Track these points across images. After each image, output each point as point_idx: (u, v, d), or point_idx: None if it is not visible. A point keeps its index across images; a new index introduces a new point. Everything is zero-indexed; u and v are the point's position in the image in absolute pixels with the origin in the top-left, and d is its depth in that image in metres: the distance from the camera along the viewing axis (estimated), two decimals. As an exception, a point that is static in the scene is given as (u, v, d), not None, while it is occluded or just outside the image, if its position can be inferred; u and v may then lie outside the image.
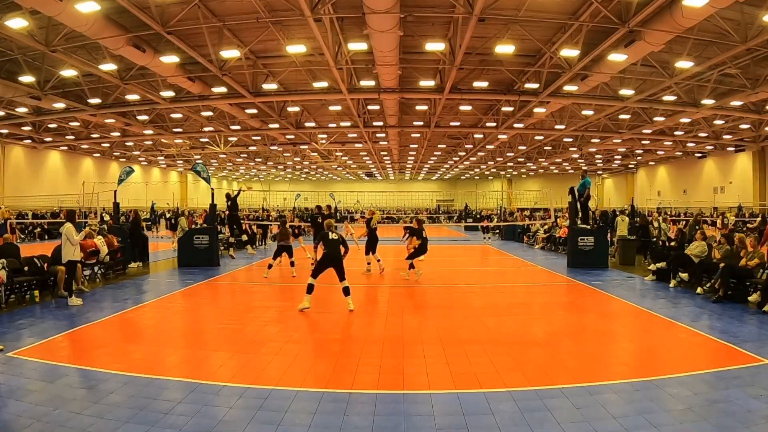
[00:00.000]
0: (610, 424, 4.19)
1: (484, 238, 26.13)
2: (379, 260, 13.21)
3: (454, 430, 4.16)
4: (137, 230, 14.74)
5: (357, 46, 15.88)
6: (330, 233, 8.75)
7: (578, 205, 15.00)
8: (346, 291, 8.50)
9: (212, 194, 16.31)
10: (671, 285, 10.96)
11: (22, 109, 23.93)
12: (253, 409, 4.51)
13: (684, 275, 10.72)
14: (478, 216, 35.33)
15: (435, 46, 16.08)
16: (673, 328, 7.41)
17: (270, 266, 12.54)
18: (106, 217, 17.51)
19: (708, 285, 9.69)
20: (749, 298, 8.71)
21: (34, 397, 4.79)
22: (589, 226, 14.75)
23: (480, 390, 4.95)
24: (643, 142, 34.86)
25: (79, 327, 7.54)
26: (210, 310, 9.27)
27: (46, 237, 25.85)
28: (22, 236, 25.13)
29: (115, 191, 15.30)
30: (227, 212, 18.46)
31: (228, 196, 18.18)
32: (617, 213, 19.11)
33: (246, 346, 6.51)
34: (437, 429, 4.17)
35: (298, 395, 4.87)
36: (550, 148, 40.23)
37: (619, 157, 46.11)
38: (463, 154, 43.40)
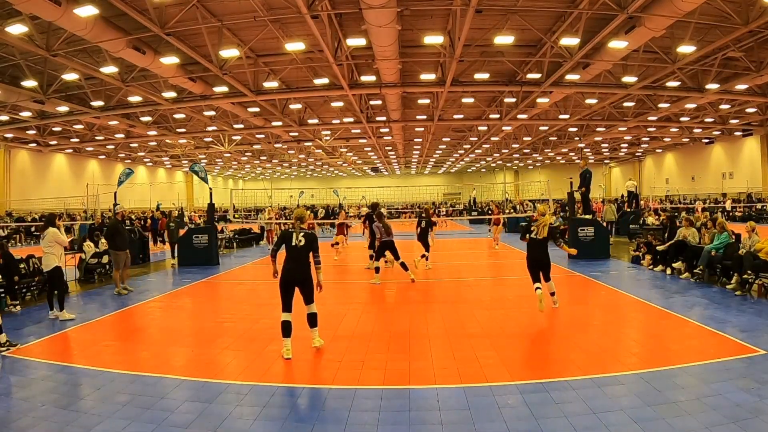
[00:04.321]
0: (618, 416, 4.17)
1: (489, 230, 26.03)
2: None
3: (461, 424, 4.15)
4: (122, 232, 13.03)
5: (356, 41, 15.80)
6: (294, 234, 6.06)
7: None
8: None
9: (210, 194, 16.39)
10: (668, 273, 11.05)
11: (26, 113, 24.07)
12: (259, 407, 4.53)
13: (679, 264, 10.71)
14: (487, 210, 35.10)
15: (434, 39, 15.96)
16: (680, 320, 7.36)
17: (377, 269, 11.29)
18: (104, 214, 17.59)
19: (735, 279, 9.06)
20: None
21: (41, 397, 4.84)
22: (590, 217, 14.76)
23: (486, 384, 4.95)
24: (649, 129, 34.54)
25: (80, 325, 7.67)
26: (213, 309, 9.33)
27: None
28: (28, 239, 25.38)
29: (115, 193, 15.38)
30: None
31: None
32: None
33: (251, 344, 6.53)
34: (443, 423, 4.16)
35: (304, 392, 4.90)
36: (555, 138, 39.98)
37: (626, 145, 45.74)
38: (468, 146, 43.24)
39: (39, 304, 9.26)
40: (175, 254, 15.34)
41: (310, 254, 6.05)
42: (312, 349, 6.18)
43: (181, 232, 16.52)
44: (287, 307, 5.89)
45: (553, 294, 8.09)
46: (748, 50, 18.10)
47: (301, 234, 5.97)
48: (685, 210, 23.92)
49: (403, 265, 11.08)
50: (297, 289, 5.95)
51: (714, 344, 6.03)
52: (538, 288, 7.70)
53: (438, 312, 8.16)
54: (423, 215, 14.02)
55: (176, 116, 28.41)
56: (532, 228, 7.89)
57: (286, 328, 5.87)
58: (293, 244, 5.93)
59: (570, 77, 19.84)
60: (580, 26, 14.82)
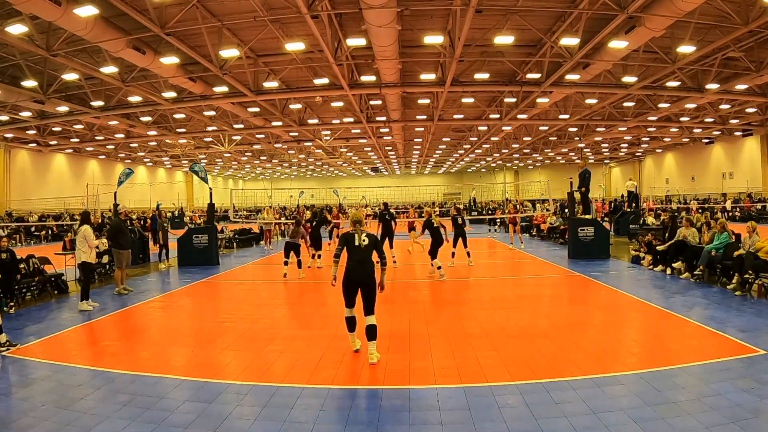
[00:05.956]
0: (618, 416, 4.17)
1: (489, 230, 26.24)
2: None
3: (460, 424, 4.15)
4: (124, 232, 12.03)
5: (356, 41, 15.76)
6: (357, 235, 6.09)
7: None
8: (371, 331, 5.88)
9: (210, 194, 16.39)
10: (668, 273, 11.06)
11: (26, 114, 24.04)
12: (259, 407, 4.54)
13: (679, 264, 10.71)
14: (489, 210, 35.13)
15: (434, 39, 15.93)
16: (680, 320, 7.36)
17: (286, 263, 12.30)
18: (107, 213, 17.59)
19: (736, 279, 9.05)
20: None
21: (41, 397, 4.84)
22: (590, 217, 14.77)
23: (486, 384, 4.95)
24: (649, 129, 34.52)
25: (80, 325, 7.68)
26: (213, 309, 9.32)
27: (48, 240, 25.98)
28: (28, 239, 25.39)
29: (115, 193, 15.40)
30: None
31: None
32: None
33: (251, 344, 6.53)
34: (443, 423, 4.16)
35: (304, 392, 4.89)
36: (555, 138, 39.97)
37: (626, 145, 45.71)
38: (468, 146, 43.22)
39: (39, 304, 9.28)
40: (168, 257, 14.80)
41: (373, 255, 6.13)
42: (312, 349, 6.18)
43: (181, 232, 16.43)
44: (351, 304, 5.99)
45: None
46: (748, 50, 18.08)
47: (364, 235, 6.08)
48: (684, 210, 24.02)
49: (299, 263, 12.57)
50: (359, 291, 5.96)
51: (714, 344, 6.03)
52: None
53: (438, 312, 8.16)
54: (455, 213, 13.55)
55: (176, 116, 28.37)
56: (433, 219, 11.70)
57: (351, 323, 6.05)
58: (357, 244, 6.01)
59: (570, 77, 19.82)
60: (580, 26, 14.82)
